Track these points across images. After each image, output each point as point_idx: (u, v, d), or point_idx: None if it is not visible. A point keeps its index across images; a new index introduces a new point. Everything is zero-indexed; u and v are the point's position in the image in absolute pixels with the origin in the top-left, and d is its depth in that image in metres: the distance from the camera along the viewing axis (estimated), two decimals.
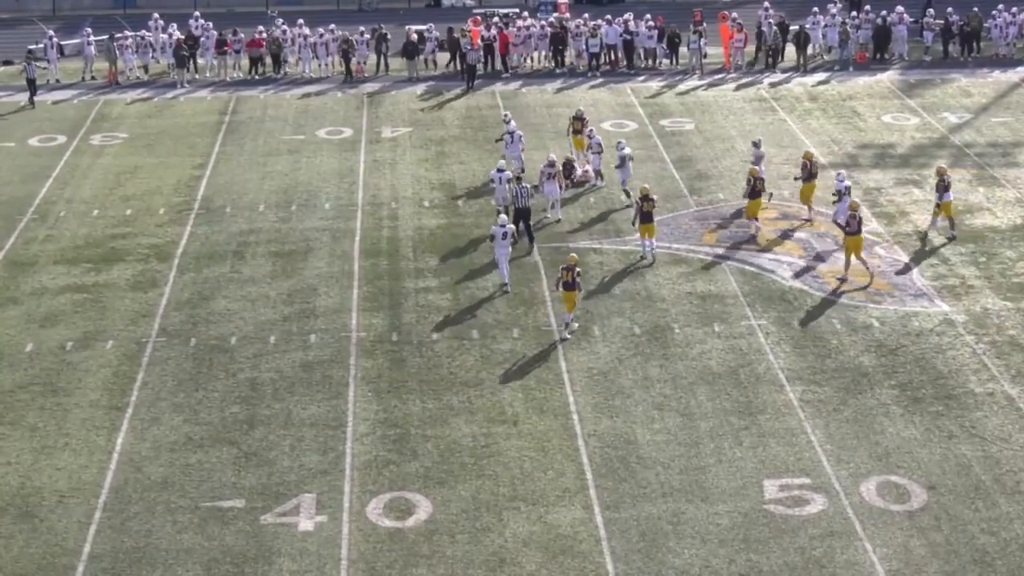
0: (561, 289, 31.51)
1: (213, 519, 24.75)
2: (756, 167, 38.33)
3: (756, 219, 37.51)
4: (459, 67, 53.87)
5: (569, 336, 31.41)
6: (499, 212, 36.54)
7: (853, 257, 34.26)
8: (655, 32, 54.99)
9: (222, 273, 35.30)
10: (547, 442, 27.21)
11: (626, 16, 55.93)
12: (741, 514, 24.77)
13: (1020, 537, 24.09)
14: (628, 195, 39.13)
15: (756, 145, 40.54)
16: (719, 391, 29.08)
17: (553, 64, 55.30)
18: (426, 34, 55.49)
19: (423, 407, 28.56)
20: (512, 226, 34.71)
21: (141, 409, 28.59)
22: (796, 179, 38.69)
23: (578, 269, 31.58)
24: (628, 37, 54.87)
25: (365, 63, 54.45)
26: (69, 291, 34.29)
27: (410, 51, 53.54)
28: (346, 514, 24.88)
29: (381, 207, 39.89)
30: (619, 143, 40.74)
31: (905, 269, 35.15)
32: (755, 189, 37.08)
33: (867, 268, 34.52)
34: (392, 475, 26.12)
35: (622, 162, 39.34)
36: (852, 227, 33.95)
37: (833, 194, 37.03)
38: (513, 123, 41.92)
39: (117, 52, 53.77)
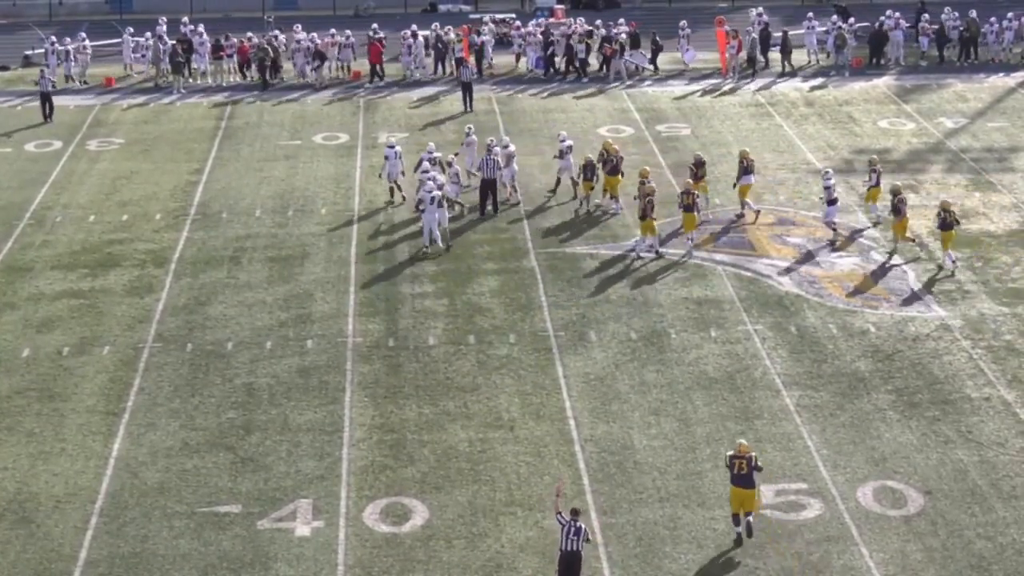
0: (681, 211, 35.95)
1: (209, 524, 24.74)
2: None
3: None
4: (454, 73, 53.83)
5: (684, 253, 35.59)
6: (422, 182, 37.30)
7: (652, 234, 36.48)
8: (627, 38, 54.98)
9: (218, 278, 35.28)
10: (544, 447, 27.20)
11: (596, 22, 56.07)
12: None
13: (1016, 542, 24.10)
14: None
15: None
16: (715, 396, 29.08)
17: (551, 70, 55.31)
18: (341, 40, 54.93)
19: (419, 412, 28.55)
20: (439, 192, 36.37)
21: (137, 414, 28.58)
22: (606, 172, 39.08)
23: (696, 193, 35.95)
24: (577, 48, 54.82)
25: (279, 71, 54.05)
26: (66, 296, 34.28)
27: (318, 60, 53.41)
28: (343, 519, 24.87)
29: (377, 212, 39.88)
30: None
31: (902, 274, 35.23)
32: (945, 222, 34.89)
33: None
34: (389, 480, 26.11)
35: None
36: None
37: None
38: (393, 139, 40.73)
39: (162, 53, 53.85)
